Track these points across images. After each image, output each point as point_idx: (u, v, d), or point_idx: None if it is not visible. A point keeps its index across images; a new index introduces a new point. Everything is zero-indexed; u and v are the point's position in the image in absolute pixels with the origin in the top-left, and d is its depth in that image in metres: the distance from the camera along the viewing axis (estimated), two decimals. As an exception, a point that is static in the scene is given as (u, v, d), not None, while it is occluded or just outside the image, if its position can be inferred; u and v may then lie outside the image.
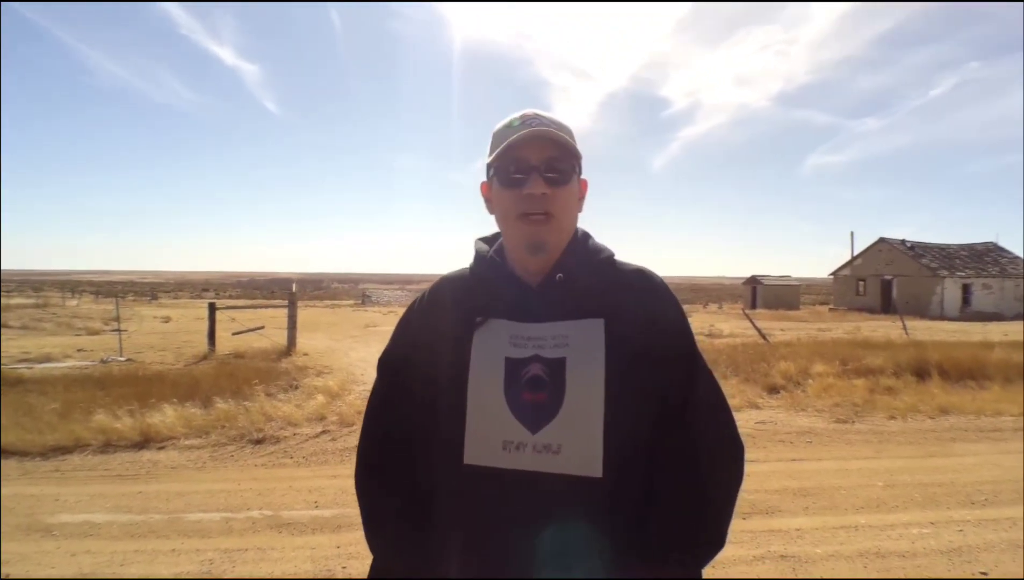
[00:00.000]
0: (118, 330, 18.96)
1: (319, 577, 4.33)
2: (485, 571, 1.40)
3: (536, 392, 1.41)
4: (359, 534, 5.04)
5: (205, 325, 16.96)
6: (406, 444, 1.58)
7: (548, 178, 1.46)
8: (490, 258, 1.59)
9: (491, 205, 1.57)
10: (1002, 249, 53.09)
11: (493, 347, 1.46)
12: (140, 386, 10.39)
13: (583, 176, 1.56)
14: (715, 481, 1.50)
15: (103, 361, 15.01)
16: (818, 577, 4.29)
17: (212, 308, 16.97)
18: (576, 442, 1.38)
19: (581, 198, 1.57)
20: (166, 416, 8.49)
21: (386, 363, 1.67)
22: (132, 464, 7.24)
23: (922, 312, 43.41)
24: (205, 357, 15.26)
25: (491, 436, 1.42)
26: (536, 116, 1.51)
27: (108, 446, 7.75)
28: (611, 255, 1.59)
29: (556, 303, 1.49)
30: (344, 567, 4.47)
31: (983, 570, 4.34)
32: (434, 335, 1.55)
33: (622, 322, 1.46)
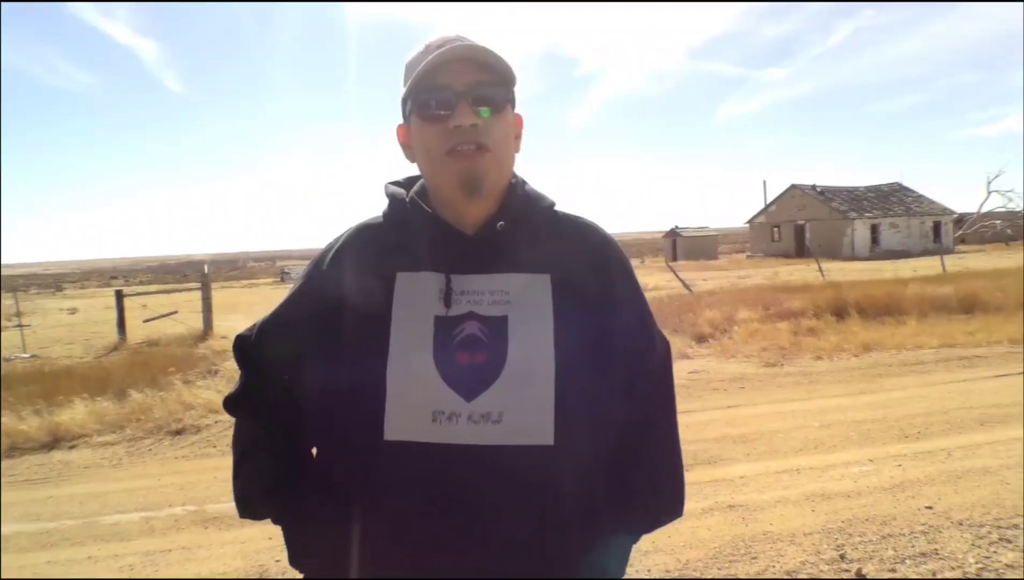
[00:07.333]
0: (19, 326, 17.94)
1: (251, 575, 4.04)
2: (410, 564, 1.17)
3: (473, 353, 1.18)
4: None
5: (114, 314, 16.13)
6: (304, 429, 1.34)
7: (478, 106, 1.21)
8: (410, 201, 1.31)
9: (410, 151, 1.31)
10: (907, 189, 55.08)
11: (419, 303, 1.21)
12: (47, 383, 9.76)
13: (517, 111, 1.32)
14: (668, 456, 1.44)
15: (6, 359, 14.14)
16: (768, 526, 4.23)
17: (119, 295, 16.16)
18: (521, 408, 1.15)
19: (517, 137, 1.33)
20: (76, 412, 7.96)
21: (259, 340, 1.50)
22: (41, 467, 6.75)
23: (834, 254, 44.72)
24: (116, 347, 14.52)
25: (418, 407, 1.16)
26: (459, 37, 1.24)
27: (13, 450, 7.22)
28: (553, 204, 1.36)
29: (494, 254, 1.25)
30: (277, 560, 4.18)
31: (928, 504, 4.36)
32: (341, 294, 1.26)
33: (570, 277, 1.25)
